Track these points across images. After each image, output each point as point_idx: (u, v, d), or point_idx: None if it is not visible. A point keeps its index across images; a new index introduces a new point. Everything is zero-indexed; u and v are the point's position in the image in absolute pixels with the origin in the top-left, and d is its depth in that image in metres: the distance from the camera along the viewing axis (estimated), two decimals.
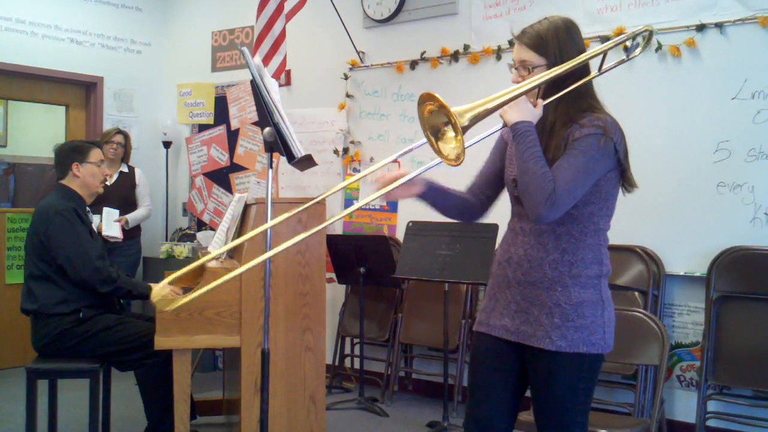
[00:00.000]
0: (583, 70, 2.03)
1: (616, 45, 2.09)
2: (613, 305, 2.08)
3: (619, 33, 4.02)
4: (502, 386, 2.11)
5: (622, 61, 2.17)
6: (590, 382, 2.04)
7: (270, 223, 2.29)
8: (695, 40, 3.86)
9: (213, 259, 3.43)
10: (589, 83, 2.05)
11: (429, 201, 2.18)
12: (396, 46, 5.03)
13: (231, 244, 2.29)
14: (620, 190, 2.08)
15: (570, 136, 1.97)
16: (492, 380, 2.12)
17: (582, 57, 1.99)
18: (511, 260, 2.09)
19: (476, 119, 1.82)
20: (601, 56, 2.08)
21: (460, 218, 2.27)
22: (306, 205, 2.21)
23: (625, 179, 2.05)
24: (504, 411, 2.11)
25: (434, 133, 1.87)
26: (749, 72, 3.71)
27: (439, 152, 1.87)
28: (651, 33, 2.12)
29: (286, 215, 2.16)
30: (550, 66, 1.99)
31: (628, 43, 2.11)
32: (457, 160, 1.81)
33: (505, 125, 2.00)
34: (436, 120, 1.86)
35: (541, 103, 1.99)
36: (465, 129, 1.79)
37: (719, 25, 3.80)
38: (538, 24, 2.05)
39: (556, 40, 2.00)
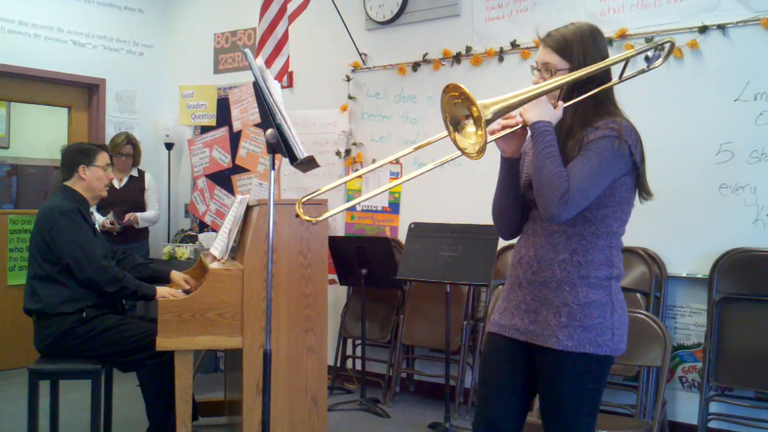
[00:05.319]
0: (605, 76, 2.05)
1: (638, 54, 2.13)
2: (626, 309, 2.07)
3: (622, 35, 4.03)
4: (513, 387, 2.12)
5: (643, 71, 2.18)
6: (597, 384, 2.04)
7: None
8: (697, 42, 3.86)
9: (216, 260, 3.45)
10: (610, 90, 2.07)
11: (511, 171, 2.09)
12: (398, 47, 5.04)
13: None
14: (637, 198, 2.08)
15: (585, 138, 1.98)
16: (502, 381, 2.13)
17: (604, 63, 2.01)
18: (522, 261, 2.10)
19: (499, 113, 1.86)
20: (623, 64, 2.10)
21: (508, 216, 2.15)
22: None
23: (640, 185, 2.05)
24: (513, 412, 2.12)
25: (454, 125, 1.89)
26: (751, 74, 3.71)
27: (456, 143, 1.88)
28: (672, 45, 2.15)
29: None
30: (572, 70, 2.00)
31: (650, 54, 2.12)
32: (479, 154, 1.84)
33: (524, 125, 1.99)
34: (457, 111, 1.87)
35: (561, 105, 2.00)
36: (488, 122, 1.82)
37: (721, 27, 3.80)
38: (564, 28, 2.06)
39: (581, 46, 2.02)
